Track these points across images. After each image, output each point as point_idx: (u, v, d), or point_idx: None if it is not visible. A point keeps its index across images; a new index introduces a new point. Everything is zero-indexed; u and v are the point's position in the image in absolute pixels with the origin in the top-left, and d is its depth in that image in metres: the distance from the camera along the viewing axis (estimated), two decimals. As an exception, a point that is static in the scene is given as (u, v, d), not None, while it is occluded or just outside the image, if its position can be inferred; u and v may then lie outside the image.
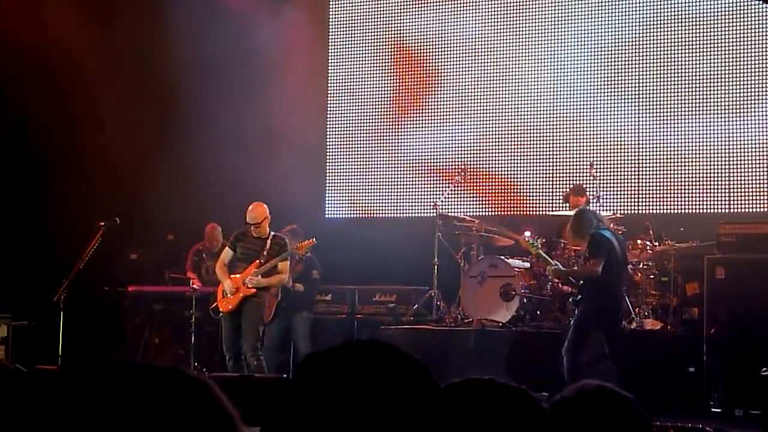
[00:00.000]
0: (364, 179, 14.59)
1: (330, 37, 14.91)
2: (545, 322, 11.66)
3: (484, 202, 13.76)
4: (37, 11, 13.80)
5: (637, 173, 12.99)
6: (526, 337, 11.39)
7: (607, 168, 12.93)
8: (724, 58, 12.61)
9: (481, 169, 13.70)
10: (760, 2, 12.26)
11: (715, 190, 12.58)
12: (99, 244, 10.94)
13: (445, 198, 12.91)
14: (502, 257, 11.98)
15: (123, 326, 13.16)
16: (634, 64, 13.10)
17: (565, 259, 11.21)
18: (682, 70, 12.83)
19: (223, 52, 13.99)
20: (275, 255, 10.95)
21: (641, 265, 11.30)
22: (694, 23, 12.79)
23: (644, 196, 12.96)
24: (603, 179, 12.48)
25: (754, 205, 12.37)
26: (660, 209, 12.77)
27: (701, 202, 12.64)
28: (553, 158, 13.50)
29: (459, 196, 13.45)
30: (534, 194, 13.54)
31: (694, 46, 12.78)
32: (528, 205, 13.56)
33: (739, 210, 12.36)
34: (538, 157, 13.57)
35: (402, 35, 14.45)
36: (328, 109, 14.83)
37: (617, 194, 12.89)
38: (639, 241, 11.37)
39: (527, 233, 11.17)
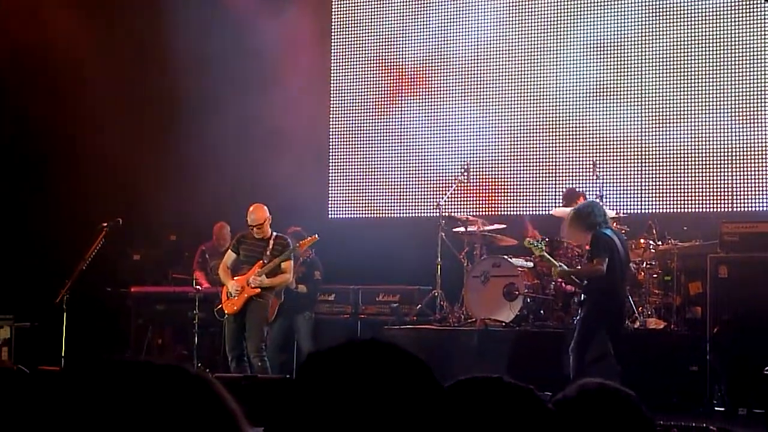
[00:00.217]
0: (367, 179, 14.58)
1: (333, 36, 14.90)
2: (548, 321, 11.65)
3: (487, 203, 13.74)
4: (37, 11, 13.80)
5: (640, 173, 12.98)
6: (529, 336, 11.38)
7: (610, 167, 12.92)
8: (728, 57, 12.59)
9: (484, 170, 13.69)
10: (764, 1, 12.25)
11: (718, 189, 12.56)
12: (101, 245, 10.93)
13: (448, 198, 12.90)
14: (505, 257, 11.96)
15: (126, 327, 13.16)
16: (637, 64, 13.08)
17: (568, 259, 11.20)
18: (685, 70, 12.81)
19: (226, 52, 14.00)
20: (278, 255, 10.95)
21: (644, 265, 11.29)
22: (696, 23, 12.78)
23: (647, 195, 12.95)
24: (606, 178, 12.46)
25: (757, 205, 12.36)
26: (663, 208, 12.76)
27: (704, 202, 12.63)
28: (556, 158, 13.48)
29: (462, 196, 13.43)
30: (537, 194, 13.52)
31: (697, 46, 12.76)
32: (531, 206, 13.54)
33: (742, 209, 12.35)
34: (541, 157, 13.56)
35: (405, 35, 14.43)
36: (331, 108, 14.82)
37: (620, 193, 12.88)
38: (642, 241, 11.36)
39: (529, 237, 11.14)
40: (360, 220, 14.40)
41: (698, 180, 12.66)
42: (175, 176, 13.94)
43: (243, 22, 13.96)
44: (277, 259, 10.92)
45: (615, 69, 13.20)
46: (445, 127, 14.13)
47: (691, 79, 12.77)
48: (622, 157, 13.05)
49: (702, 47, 12.73)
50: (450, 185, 13.18)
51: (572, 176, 13.12)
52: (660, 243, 11.36)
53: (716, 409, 10.52)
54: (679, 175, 12.77)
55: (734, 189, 12.50)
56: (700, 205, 12.63)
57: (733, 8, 12.64)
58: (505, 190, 13.71)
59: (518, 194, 13.66)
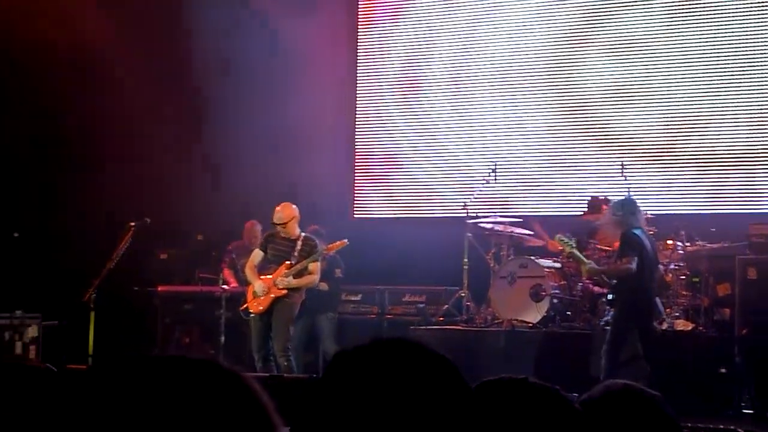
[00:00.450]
0: (393, 179, 14.58)
1: (359, 36, 14.91)
2: (575, 322, 11.61)
3: (514, 203, 13.70)
4: (68, 13, 13.87)
5: (668, 174, 12.92)
6: (556, 337, 11.35)
7: (637, 169, 12.85)
8: (756, 58, 12.52)
9: (512, 170, 13.65)
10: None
11: (747, 191, 12.50)
12: (129, 244, 10.97)
13: (475, 198, 12.87)
14: (532, 258, 11.94)
15: (153, 326, 13.20)
16: (666, 64, 13.02)
17: (595, 260, 11.15)
18: (713, 70, 12.74)
19: (253, 52, 14.02)
20: (306, 256, 10.95)
21: (672, 266, 11.23)
22: (725, 22, 12.70)
23: (675, 196, 12.89)
24: (634, 180, 12.40)
25: (787, 206, 12.29)
26: (691, 210, 12.69)
27: (733, 203, 12.56)
28: (583, 159, 13.45)
29: (489, 196, 13.38)
30: (564, 195, 13.48)
31: (727, 46, 12.69)
32: (558, 206, 13.50)
33: (771, 210, 12.28)
34: (569, 157, 13.52)
35: (432, 34, 14.43)
36: (357, 108, 14.83)
37: (648, 195, 12.81)
38: (670, 242, 11.30)
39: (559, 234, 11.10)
40: (386, 220, 14.40)
41: (727, 181, 12.59)
42: (202, 176, 13.99)
43: (269, 23, 14.00)
44: (305, 260, 10.93)
45: (643, 69, 13.14)
46: (473, 127, 14.11)
47: (719, 79, 12.70)
48: (649, 158, 12.98)
49: (732, 46, 12.66)
50: (477, 185, 13.14)
51: (600, 177, 13.07)
52: (688, 244, 11.30)
53: (744, 411, 10.46)
54: (707, 176, 12.71)
55: (763, 190, 12.42)
56: (729, 207, 12.56)
57: (763, 7, 12.55)
58: (533, 191, 13.67)
59: (546, 195, 13.62)
